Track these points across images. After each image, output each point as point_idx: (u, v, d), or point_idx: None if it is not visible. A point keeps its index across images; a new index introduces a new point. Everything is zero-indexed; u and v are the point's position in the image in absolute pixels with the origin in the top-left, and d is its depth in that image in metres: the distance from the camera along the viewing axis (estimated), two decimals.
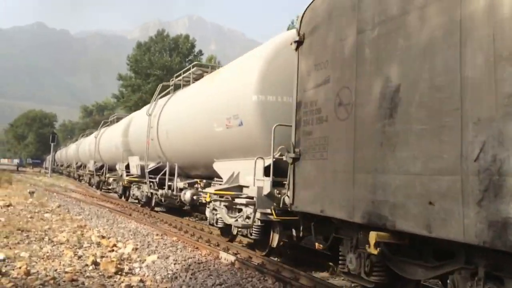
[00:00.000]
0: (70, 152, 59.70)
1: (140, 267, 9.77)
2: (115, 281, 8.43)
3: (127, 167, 23.88)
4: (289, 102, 9.41)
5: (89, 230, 14.33)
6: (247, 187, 11.09)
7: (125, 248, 11.45)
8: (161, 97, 20.35)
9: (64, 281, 8.09)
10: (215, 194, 12.19)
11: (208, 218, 13.31)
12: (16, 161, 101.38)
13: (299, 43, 8.15)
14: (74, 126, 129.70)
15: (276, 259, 11.32)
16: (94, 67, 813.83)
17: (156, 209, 21.29)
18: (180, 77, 18.79)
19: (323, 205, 7.03)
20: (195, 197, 15.92)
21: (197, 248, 12.42)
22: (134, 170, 21.81)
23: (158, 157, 19.32)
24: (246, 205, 10.85)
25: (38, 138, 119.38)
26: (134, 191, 23.24)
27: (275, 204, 9.70)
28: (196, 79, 17.63)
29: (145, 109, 22.50)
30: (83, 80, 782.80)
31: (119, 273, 8.97)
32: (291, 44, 8.37)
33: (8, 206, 18.79)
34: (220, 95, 13.03)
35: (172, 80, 19.89)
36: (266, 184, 9.79)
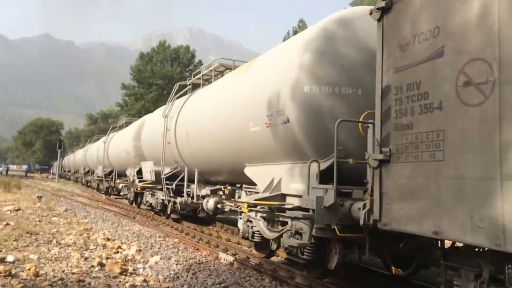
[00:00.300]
0: (77, 158, 57.91)
1: (144, 268, 9.83)
2: (120, 281, 8.49)
3: (139, 172, 21.88)
4: (348, 93, 7.94)
5: (95, 232, 14.37)
6: (296, 196, 8.87)
7: (129, 250, 11.51)
8: (178, 98, 18.22)
9: (71, 282, 8.15)
10: (255, 204, 9.92)
11: (241, 231, 11.06)
12: (24, 167, 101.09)
13: (384, 10, 6.10)
14: (80, 134, 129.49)
15: (326, 280, 8.97)
16: (98, 76, 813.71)
17: (172, 216, 18.92)
18: (200, 75, 16.96)
19: (438, 225, 5.05)
20: (219, 206, 14.28)
21: (197, 249, 12.48)
22: (148, 176, 19.67)
23: (175, 162, 17.20)
24: (298, 218, 8.38)
25: (45, 145, 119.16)
26: (148, 198, 21.24)
27: (338, 217, 7.54)
28: (217, 76, 16.14)
29: (160, 110, 20.29)
30: (88, 89, 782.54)
31: (124, 273, 9.03)
32: (370, 13, 6.31)
33: (17, 210, 18.82)
34: (257, 88, 10.43)
35: (190, 79, 18.07)
36: (330, 194, 7.43)
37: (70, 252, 10.76)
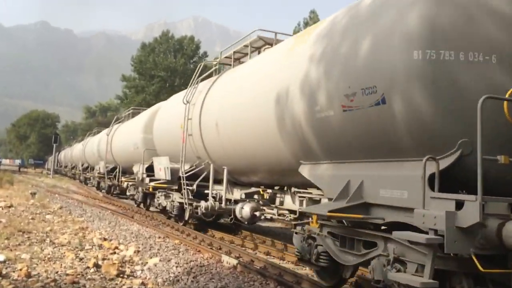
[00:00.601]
0: (75, 152, 56.14)
1: (142, 270, 9.80)
2: (116, 284, 8.48)
3: (148, 169, 20.23)
4: (481, 62, 5.67)
5: (90, 232, 14.39)
6: (398, 208, 6.51)
7: (127, 251, 11.50)
8: (202, 80, 15.90)
9: (65, 284, 8.15)
10: (330, 216, 7.21)
11: (298, 250, 8.95)
12: (18, 161, 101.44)
13: None
14: (77, 127, 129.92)
15: None
16: (97, 67, 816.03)
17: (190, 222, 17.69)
18: (230, 52, 15.09)
19: None
20: (257, 213, 12.57)
21: (199, 251, 12.46)
22: (162, 174, 17.51)
23: (198, 158, 15.08)
24: (413, 244, 5.97)
25: (40, 139, 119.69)
26: (161, 200, 18.96)
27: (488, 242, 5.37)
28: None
29: (178, 96, 18.44)
30: (87, 80, 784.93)
31: (121, 275, 9.02)
32: None
33: (10, 207, 18.87)
34: (330, 58, 7.77)
35: (217, 58, 16.17)
36: (469, 208, 5.28)
37: (64, 252, 10.77)
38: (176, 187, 17.02)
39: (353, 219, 7.20)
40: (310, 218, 8.67)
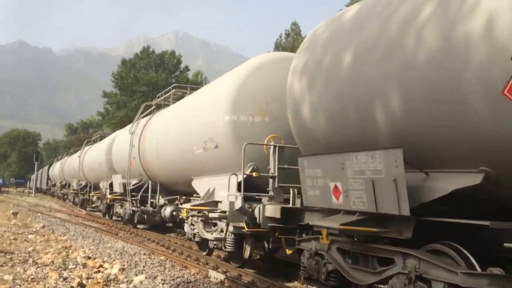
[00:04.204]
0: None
1: None
2: None
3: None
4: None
5: (74, 251, 14.17)
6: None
7: (111, 269, 11.31)
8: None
9: None
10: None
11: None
12: None
13: None
14: (59, 145, 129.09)
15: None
16: (77, 84, 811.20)
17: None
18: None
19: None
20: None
21: (185, 267, 12.31)
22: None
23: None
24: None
25: (21, 157, 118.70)
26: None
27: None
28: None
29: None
30: (67, 98, 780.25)
31: None
32: None
33: None
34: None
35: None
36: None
37: (48, 272, 10.56)
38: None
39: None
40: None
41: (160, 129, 17.70)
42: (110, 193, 23.89)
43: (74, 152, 47.81)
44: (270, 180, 9.95)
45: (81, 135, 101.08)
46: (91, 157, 32.55)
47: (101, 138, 35.45)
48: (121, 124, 47.64)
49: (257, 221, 9.51)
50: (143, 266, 12.12)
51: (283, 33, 53.29)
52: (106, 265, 11.88)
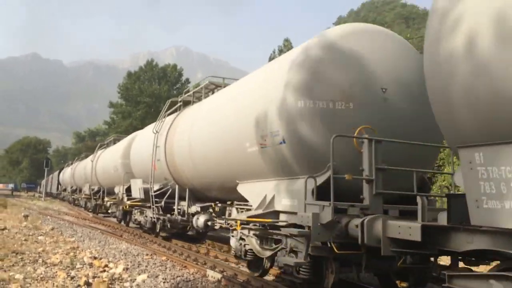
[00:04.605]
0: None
1: (131, 286, 9.68)
2: None
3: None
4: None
5: (81, 251, 14.18)
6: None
7: (116, 268, 11.34)
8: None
9: None
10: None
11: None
12: (11, 185, 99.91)
13: None
14: (67, 152, 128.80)
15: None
16: (86, 95, 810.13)
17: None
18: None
19: None
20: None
21: (185, 266, 12.34)
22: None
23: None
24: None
25: (32, 164, 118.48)
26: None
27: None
28: (115, 142, 18.90)
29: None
30: (76, 107, 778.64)
31: None
32: None
33: (3, 229, 18.55)
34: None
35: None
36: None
37: (56, 272, 10.58)
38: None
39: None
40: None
41: (194, 127, 14.27)
42: (128, 199, 20.91)
43: (86, 157, 44.76)
44: (365, 185, 7.40)
45: (89, 143, 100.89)
46: (105, 161, 29.51)
47: (115, 141, 32.11)
48: (126, 133, 47.63)
49: (360, 240, 6.72)
50: (146, 266, 12.14)
51: (276, 49, 53.60)
52: (111, 265, 11.90)
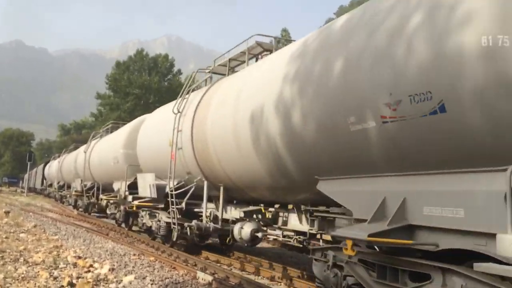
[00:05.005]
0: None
1: None
2: None
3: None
4: None
5: (65, 250, 14.12)
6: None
7: (101, 269, 11.29)
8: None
9: None
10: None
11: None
12: None
13: None
14: (52, 145, 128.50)
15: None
16: (72, 85, 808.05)
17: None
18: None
19: None
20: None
21: (174, 268, 12.31)
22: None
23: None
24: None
25: (14, 157, 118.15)
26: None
27: None
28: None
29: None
30: (62, 98, 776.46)
31: None
32: None
33: None
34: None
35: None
36: None
37: (38, 271, 10.53)
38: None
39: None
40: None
41: (238, 100, 10.58)
42: (134, 198, 17.16)
43: (75, 148, 40.93)
44: None
45: (74, 136, 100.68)
46: (102, 152, 25.52)
47: (113, 129, 27.80)
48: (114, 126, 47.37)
49: None
50: (133, 267, 12.10)
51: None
52: (96, 265, 11.85)
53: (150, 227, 16.75)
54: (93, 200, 29.04)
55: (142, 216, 17.52)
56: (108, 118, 61.90)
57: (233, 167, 11.13)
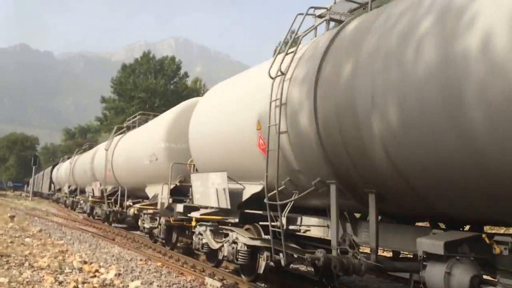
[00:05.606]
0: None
1: None
2: None
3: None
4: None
5: (71, 255, 14.13)
6: None
7: (107, 274, 11.28)
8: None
9: None
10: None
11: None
12: None
13: None
14: (56, 149, 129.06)
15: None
16: (77, 89, 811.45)
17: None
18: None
19: None
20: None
21: (182, 273, 12.27)
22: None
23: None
24: None
25: (19, 161, 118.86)
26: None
27: None
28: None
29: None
30: (66, 102, 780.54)
31: None
32: None
33: None
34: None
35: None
36: None
37: (44, 276, 10.53)
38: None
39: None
40: None
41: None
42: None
43: (89, 148, 37.77)
44: None
45: (79, 140, 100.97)
46: (130, 149, 21.47)
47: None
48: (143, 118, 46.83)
49: None
50: (139, 272, 12.08)
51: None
52: (102, 270, 11.84)
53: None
54: (116, 208, 24.21)
55: (201, 234, 12.40)
56: (113, 122, 62.07)
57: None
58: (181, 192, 15.29)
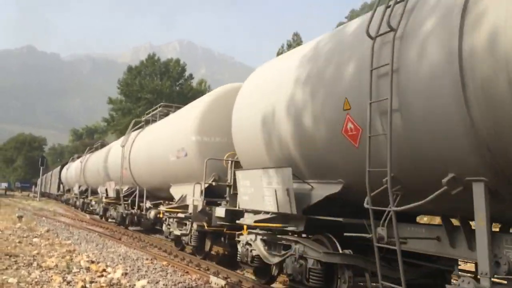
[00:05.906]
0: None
1: None
2: None
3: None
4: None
5: (78, 255, 14.20)
6: None
7: (114, 273, 11.35)
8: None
9: None
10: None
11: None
12: (4, 184, 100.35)
13: None
14: (64, 150, 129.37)
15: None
16: (84, 90, 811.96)
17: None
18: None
19: None
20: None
21: (187, 272, 12.34)
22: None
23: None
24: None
25: (27, 162, 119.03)
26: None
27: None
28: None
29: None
30: (73, 103, 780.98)
31: None
32: None
33: None
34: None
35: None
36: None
37: (52, 276, 10.60)
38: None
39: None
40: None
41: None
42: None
43: (101, 146, 35.65)
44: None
45: (86, 140, 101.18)
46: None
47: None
48: (126, 131, 47.40)
49: None
50: (146, 271, 12.16)
51: (285, 43, 53.55)
52: (109, 269, 11.91)
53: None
54: (135, 210, 21.83)
55: (249, 244, 10.25)
56: (120, 123, 62.23)
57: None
58: (214, 193, 13.32)
